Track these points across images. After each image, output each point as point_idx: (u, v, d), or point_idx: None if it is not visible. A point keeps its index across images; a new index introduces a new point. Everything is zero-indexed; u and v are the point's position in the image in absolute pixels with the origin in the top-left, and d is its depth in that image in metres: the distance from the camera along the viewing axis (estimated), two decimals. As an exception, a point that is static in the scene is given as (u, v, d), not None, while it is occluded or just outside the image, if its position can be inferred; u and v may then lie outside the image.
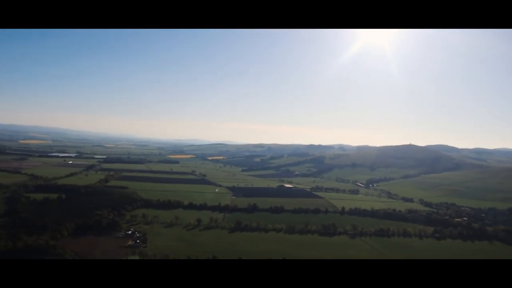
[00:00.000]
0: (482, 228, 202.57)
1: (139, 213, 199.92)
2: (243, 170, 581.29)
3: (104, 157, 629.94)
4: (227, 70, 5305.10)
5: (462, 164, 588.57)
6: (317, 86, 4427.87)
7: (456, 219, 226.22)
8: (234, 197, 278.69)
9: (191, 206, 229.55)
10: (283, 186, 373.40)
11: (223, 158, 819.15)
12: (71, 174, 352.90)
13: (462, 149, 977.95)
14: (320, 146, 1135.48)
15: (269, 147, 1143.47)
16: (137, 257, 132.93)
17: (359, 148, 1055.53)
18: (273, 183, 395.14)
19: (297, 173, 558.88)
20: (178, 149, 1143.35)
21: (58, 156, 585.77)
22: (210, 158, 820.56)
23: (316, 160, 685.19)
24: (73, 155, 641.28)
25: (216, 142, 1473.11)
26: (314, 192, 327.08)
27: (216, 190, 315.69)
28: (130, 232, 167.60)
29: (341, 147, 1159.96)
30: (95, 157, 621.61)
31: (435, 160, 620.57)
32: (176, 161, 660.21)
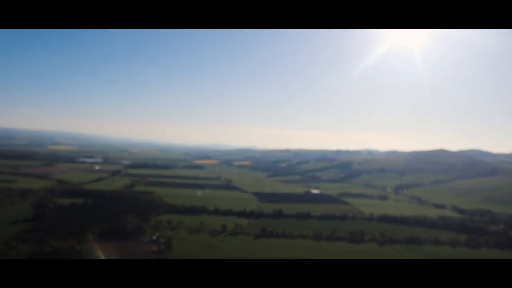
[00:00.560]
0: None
1: (164, 218, 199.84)
2: (269, 176, 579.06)
3: (130, 162, 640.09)
4: (253, 75, 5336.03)
5: (497, 169, 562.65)
6: (343, 90, 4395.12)
7: (492, 227, 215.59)
8: (259, 203, 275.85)
9: (216, 212, 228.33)
10: (310, 191, 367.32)
11: (249, 164, 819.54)
12: (98, 180, 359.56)
13: (497, 154, 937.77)
14: (347, 152, 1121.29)
15: (295, 152, 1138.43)
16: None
17: (388, 153, 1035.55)
18: (300, 189, 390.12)
19: (323, 178, 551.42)
20: (203, 154, 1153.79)
21: (85, 162, 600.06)
22: (235, 163, 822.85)
23: (343, 165, 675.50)
24: (100, 160, 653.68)
25: (242, 148, 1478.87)
26: (341, 198, 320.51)
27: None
28: (155, 237, 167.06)
29: (369, 152, 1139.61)
30: (121, 162, 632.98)
31: (468, 165, 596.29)
32: (201, 167, 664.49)
